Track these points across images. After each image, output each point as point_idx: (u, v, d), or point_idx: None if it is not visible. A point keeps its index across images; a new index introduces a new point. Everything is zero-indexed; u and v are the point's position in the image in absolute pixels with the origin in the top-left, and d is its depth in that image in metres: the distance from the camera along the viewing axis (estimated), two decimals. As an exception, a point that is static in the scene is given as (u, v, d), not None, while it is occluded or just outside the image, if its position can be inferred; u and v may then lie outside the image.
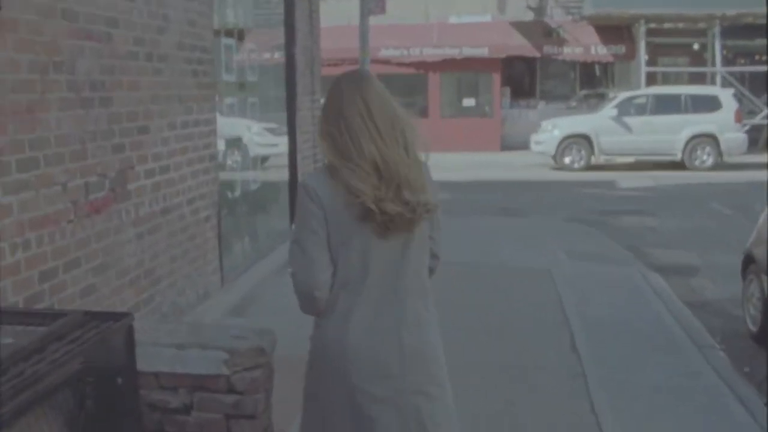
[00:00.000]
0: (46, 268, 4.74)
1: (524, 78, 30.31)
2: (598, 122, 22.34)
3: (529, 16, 29.59)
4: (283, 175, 10.84)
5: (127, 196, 5.73)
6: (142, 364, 3.16)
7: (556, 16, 29.37)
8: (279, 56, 10.74)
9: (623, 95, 23.41)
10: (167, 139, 6.39)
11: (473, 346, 6.83)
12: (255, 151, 10.70)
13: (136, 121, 5.86)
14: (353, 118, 2.98)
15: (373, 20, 15.85)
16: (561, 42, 28.48)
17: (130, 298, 5.82)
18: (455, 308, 7.92)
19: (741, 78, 27.29)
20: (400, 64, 27.50)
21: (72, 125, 4.99)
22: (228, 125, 9.76)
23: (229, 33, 8.97)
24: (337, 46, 23.16)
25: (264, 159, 11.35)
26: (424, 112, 28.19)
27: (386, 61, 26.87)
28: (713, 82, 26.40)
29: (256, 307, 7.81)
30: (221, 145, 9.42)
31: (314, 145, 11.55)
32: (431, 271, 3.21)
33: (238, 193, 9.26)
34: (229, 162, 9.58)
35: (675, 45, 28.48)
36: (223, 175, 8.32)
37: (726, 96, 22.91)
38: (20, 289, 4.48)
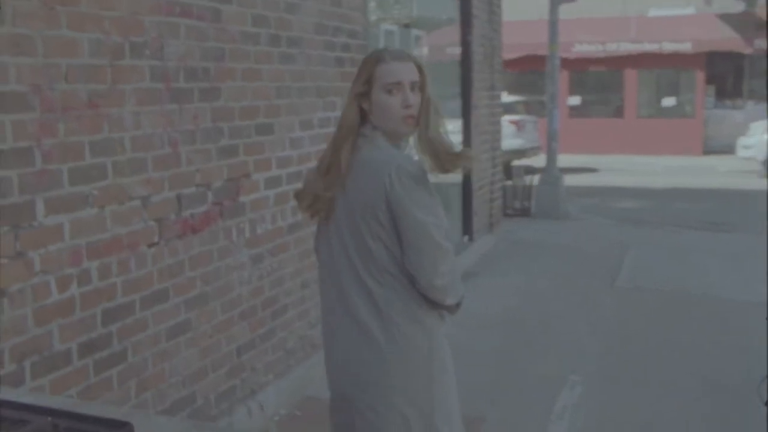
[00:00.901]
0: (114, 305, 3.71)
1: (729, 75, 27.70)
2: (818, 126, 19.77)
3: (739, 7, 26.97)
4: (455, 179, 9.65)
5: (239, 210, 4.67)
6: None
7: (772, 7, 26.70)
8: (454, 50, 9.54)
9: None
10: (299, 141, 5.30)
11: (663, 408, 5.39)
12: None
13: (254, 118, 4.79)
14: None
15: (567, 14, 14.46)
16: (775, 35, 25.79)
17: (241, 334, 4.77)
18: (643, 352, 6.50)
19: None
20: (594, 61, 25.64)
21: (158, 123, 3.95)
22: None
23: (393, 20, 7.87)
24: (526, 42, 21.74)
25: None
26: (619, 112, 26.21)
27: (579, 57, 25.14)
28: None
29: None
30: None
31: (493, 147, 10.31)
32: (425, 296, 2.82)
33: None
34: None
35: None
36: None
37: None
38: (73, 334, 3.47)
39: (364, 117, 2.85)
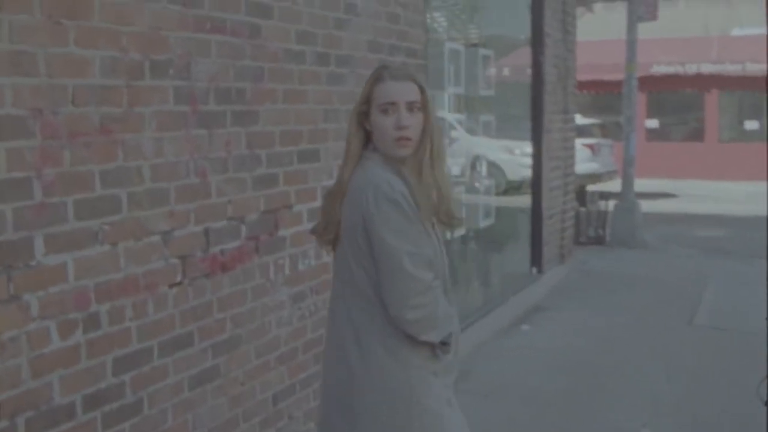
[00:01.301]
0: (128, 352, 3.33)
1: (816, 97, 26.51)
2: None
3: (832, 27, 25.85)
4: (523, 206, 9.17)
5: (277, 245, 4.27)
6: None
7: None
8: (524, 70, 9.07)
9: None
10: (348, 168, 4.88)
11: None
12: (518, 174, 9.15)
13: (297, 144, 4.39)
14: None
15: (646, 33, 13.83)
16: None
17: (278, 379, 4.36)
18: (725, 403, 5.90)
19: None
20: (673, 82, 24.77)
21: (183, 150, 3.57)
22: (480, 146, 8.31)
23: (462, 38, 7.46)
24: (603, 62, 21.08)
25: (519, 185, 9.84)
26: (698, 136, 25.23)
27: (658, 78, 24.29)
28: None
29: (466, 384, 6.16)
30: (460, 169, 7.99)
31: (565, 174, 9.79)
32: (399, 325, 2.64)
33: (464, 229, 7.55)
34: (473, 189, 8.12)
35: None
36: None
37: None
38: (77, 384, 3.10)
39: (370, 138, 2.73)
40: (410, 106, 2.63)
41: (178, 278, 3.58)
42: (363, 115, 2.70)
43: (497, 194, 8.94)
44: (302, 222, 4.46)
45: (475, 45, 7.81)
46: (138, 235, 3.34)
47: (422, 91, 2.67)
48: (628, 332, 7.71)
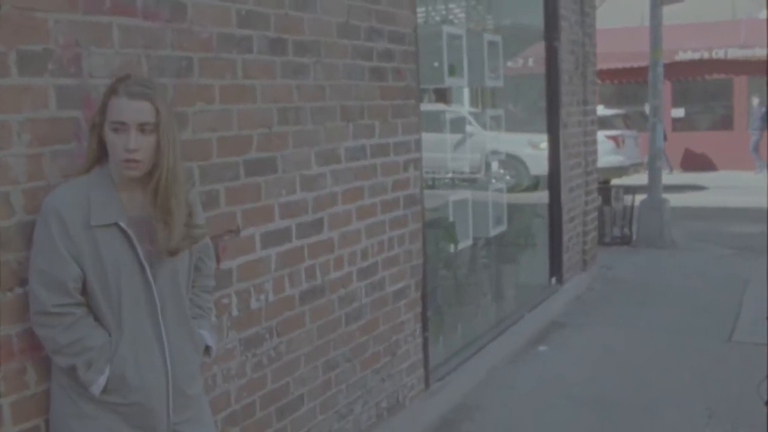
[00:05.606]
0: None
1: None
2: None
3: None
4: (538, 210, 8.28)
5: (220, 280, 3.42)
6: None
7: None
8: (538, 60, 8.18)
9: None
10: (316, 179, 4.04)
11: None
12: (542, 170, 8.31)
13: (243, 153, 3.54)
14: None
15: (670, 19, 12.89)
16: None
17: (229, 445, 3.51)
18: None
19: None
20: (700, 68, 23.68)
21: (74, 168, 2.72)
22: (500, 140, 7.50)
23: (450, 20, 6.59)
24: (625, 50, 20.10)
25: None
26: (727, 124, 24.17)
27: (684, 65, 23.21)
28: None
29: (471, 425, 5.29)
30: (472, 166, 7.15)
31: (586, 171, 8.89)
32: None
33: (470, 238, 6.64)
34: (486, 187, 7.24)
35: None
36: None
37: None
38: None
39: None
40: (142, 128, 2.47)
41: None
42: (99, 126, 2.52)
43: (520, 191, 8.11)
44: (255, 248, 3.61)
45: (478, 28, 6.93)
46: (7, 285, 2.50)
47: (158, 111, 2.50)
48: (659, 354, 6.80)
